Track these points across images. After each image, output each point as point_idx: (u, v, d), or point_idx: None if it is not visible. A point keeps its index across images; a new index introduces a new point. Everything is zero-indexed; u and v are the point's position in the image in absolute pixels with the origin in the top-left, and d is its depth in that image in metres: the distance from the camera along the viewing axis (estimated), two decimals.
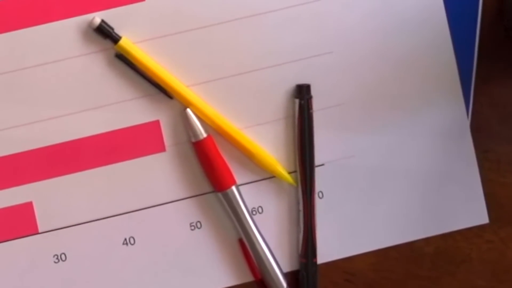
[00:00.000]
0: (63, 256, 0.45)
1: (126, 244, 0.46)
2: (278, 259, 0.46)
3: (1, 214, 0.45)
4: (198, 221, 0.46)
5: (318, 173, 0.46)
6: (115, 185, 0.46)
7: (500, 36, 0.48)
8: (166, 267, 0.46)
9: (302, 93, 0.46)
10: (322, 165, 0.47)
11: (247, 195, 0.46)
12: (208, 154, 0.45)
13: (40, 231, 0.45)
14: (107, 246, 0.46)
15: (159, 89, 0.45)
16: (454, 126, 0.47)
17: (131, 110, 0.46)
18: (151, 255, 0.46)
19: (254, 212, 0.46)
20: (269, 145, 0.46)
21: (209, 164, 0.45)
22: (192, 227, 0.46)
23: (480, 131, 0.48)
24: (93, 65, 0.45)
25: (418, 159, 0.47)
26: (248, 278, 0.46)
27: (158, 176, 0.46)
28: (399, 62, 0.47)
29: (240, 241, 0.46)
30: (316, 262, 0.46)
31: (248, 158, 0.46)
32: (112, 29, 0.45)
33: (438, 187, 0.47)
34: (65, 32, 0.45)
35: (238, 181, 0.46)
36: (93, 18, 0.45)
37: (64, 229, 0.45)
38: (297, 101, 0.46)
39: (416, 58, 0.47)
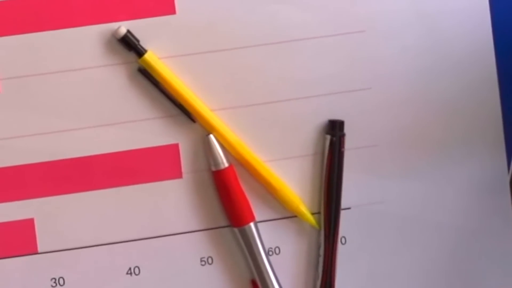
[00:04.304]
0: (61, 281, 0.42)
1: (130, 274, 0.43)
2: None
3: None
4: (210, 257, 0.43)
5: (343, 217, 0.43)
6: (124, 209, 0.42)
7: None
8: None
9: (335, 129, 0.43)
10: (348, 208, 0.43)
11: (265, 233, 0.43)
12: (228, 185, 0.42)
13: (39, 251, 0.42)
14: (110, 274, 0.42)
15: (181, 110, 0.42)
16: (492, 180, 0.44)
17: (149, 130, 0.42)
18: None
19: (270, 253, 0.43)
20: (294, 182, 0.43)
21: (228, 197, 0.42)
22: (203, 263, 0.43)
23: None
24: (114, 78, 0.42)
25: (451, 212, 0.44)
26: None
27: (171, 204, 0.43)
28: (440, 106, 0.44)
29: (253, 282, 0.43)
30: None
31: (269, 194, 0.43)
32: (138, 41, 0.42)
33: (469, 244, 0.44)
34: (87, 40, 0.42)
35: (257, 218, 0.43)
36: (119, 27, 0.42)
37: (66, 251, 0.42)
38: (328, 137, 0.43)
39: (459, 103, 0.44)
